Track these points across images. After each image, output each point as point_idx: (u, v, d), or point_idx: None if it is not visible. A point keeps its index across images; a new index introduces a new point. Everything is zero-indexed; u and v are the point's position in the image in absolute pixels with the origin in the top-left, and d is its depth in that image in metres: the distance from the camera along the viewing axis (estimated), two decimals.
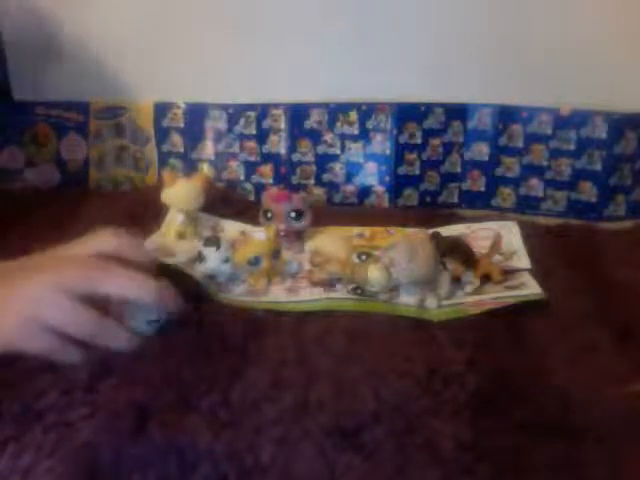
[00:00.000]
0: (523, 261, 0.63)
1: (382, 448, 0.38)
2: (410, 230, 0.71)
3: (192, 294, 0.54)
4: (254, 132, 0.83)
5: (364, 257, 0.58)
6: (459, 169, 0.83)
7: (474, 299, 0.57)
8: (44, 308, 0.43)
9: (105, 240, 0.47)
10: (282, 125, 0.82)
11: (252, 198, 0.84)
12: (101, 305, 0.45)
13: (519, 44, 0.77)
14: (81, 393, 0.42)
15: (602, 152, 0.77)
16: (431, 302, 0.56)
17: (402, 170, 0.82)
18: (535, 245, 0.66)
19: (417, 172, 0.82)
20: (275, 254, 0.62)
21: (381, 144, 0.82)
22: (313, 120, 0.82)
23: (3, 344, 0.43)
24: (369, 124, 0.81)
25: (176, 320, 0.50)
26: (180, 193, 0.68)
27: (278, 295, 0.58)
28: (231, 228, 0.71)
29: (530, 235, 0.68)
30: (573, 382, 0.46)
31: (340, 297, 0.57)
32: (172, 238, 0.67)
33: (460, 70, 0.78)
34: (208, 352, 0.47)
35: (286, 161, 0.83)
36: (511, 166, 0.81)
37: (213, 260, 0.58)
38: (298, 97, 0.81)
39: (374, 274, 0.55)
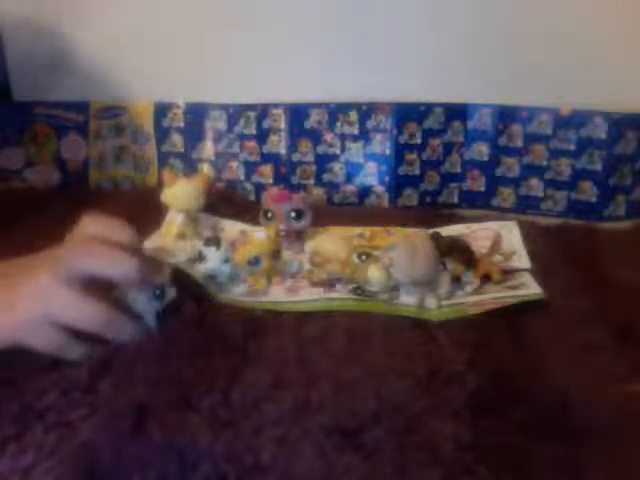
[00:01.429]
0: (523, 261, 0.63)
1: (382, 448, 0.38)
2: (410, 230, 0.71)
3: (192, 294, 0.54)
4: (254, 132, 0.83)
5: (364, 257, 0.58)
6: (459, 169, 0.83)
7: (474, 299, 0.57)
8: (54, 305, 0.43)
9: (87, 226, 0.47)
10: (282, 125, 0.82)
11: (252, 198, 0.84)
12: (103, 291, 0.45)
13: (519, 44, 0.77)
14: (81, 393, 0.42)
15: (602, 152, 0.77)
16: (431, 302, 0.56)
17: (402, 170, 0.82)
18: (535, 245, 0.66)
19: (417, 172, 0.82)
20: (275, 254, 0.62)
21: (381, 144, 0.82)
22: (313, 120, 0.82)
23: (9, 339, 0.43)
24: (369, 124, 0.81)
25: (178, 315, 0.51)
26: (180, 193, 0.68)
27: (278, 295, 0.58)
28: (231, 228, 0.71)
29: (530, 235, 0.68)
30: (573, 382, 0.46)
31: (340, 297, 0.57)
32: (172, 238, 0.67)
33: (460, 70, 0.78)
34: (208, 352, 0.47)
35: (286, 161, 0.83)
36: (511, 166, 0.81)
37: (213, 260, 0.58)
38: (298, 97, 0.81)
39: (374, 274, 0.55)
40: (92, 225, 0.47)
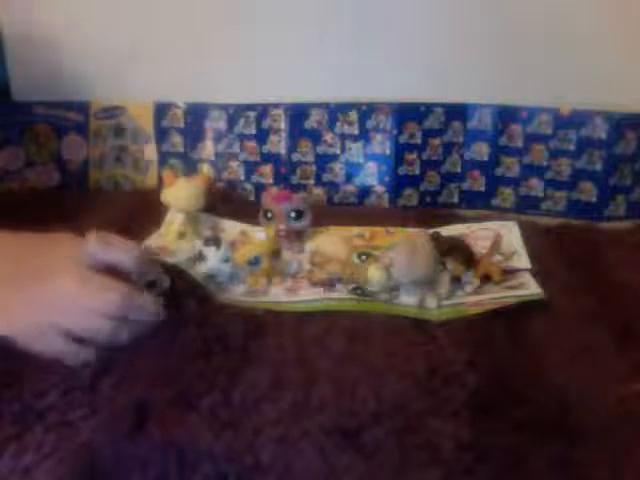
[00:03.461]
0: (523, 261, 0.63)
1: (382, 448, 0.38)
2: (410, 230, 0.71)
3: (192, 294, 0.54)
4: (254, 132, 0.83)
5: (364, 257, 0.58)
6: (459, 169, 0.83)
7: (474, 299, 0.57)
8: (64, 315, 0.43)
9: (92, 248, 0.46)
10: (282, 125, 0.82)
11: (252, 198, 0.84)
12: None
13: (519, 44, 0.77)
14: (81, 393, 0.43)
15: (602, 152, 0.77)
16: (431, 302, 0.56)
17: (402, 170, 0.82)
18: (535, 245, 0.66)
19: (417, 172, 0.82)
20: (275, 254, 0.62)
21: (381, 144, 0.82)
22: (313, 120, 0.82)
23: (12, 336, 0.43)
24: (369, 124, 0.81)
25: (179, 315, 0.51)
26: (180, 193, 0.68)
27: (278, 295, 0.58)
28: (231, 228, 0.71)
29: (530, 235, 0.68)
30: (573, 382, 0.46)
31: (340, 297, 0.57)
32: (172, 238, 0.67)
33: (460, 70, 0.78)
34: (208, 352, 0.47)
35: (286, 161, 0.83)
36: (511, 166, 0.81)
37: (213, 260, 0.58)
38: (298, 97, 0.81)
39: (374, 274, 0.55)
40: (96, 248, 0.46)
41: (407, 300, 0.56)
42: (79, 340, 0.44)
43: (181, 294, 0.53)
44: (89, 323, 0.44)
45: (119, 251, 0.47)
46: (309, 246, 0.66)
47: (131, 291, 0.45)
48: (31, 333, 0.43)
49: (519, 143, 0.80)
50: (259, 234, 0.68)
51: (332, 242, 0.64)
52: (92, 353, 0.45)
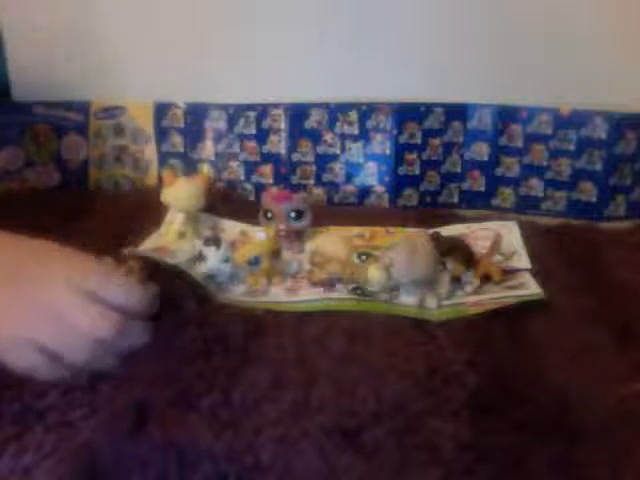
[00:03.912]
0: (523, 261, 0.63)
1: (382, 448, 0.38)
2: (410, 230, 0.71)
3: (192, 294, 0.54)
4: (254, 132, 0.83)
5: (364, 257, 0.58)
6: (459, 169, 0.83)
7: (474, 299, 0.57)
8: (40, 332, 0.42)
9: (86, 280, 0.45)
10: (282, 125, 0.82)
11: (252, 198, 0.84)
12: None
13: (519, 44, 0.77)
14: (81, 393, 0.42)
15: (602, 152, 0.77)
16: (431, 302, 0.56)
17: (402, 170, 0.82)
18: (535, 245, 0.66)
19: (417, 172, 0.82)
20: (275, 254, 0.62)
21: (381, 144, 0.81)
22: (313, 120, 0.82)
23: None
24: (369, 124, 0.81)
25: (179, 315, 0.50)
26: (180, 193, 0.68)
27: (278, 295, 0.58)
28: (231, 228, 0.71)
29: (530, 235, 0.68)
30: (573, 382, 0.46)
31: (340, 297, 0.57)
32: (172, 238, 0.67)
33: (460, 70, 0.78)
34: (208, 352, 0.47)
35: (286, 161, 0.83)
36: (511, 166, 0.81)
37: (213, 260, 0.58)
38: (298, 97, 0.81)
39: (374, 274, 0.55)
40: (96, 287, 0.44)
41: (407, 300, 0.56)
42: (54, 357, 0.42)
43: (181, 294, 0.53)
44: (68, 343, 0.42)
45: (121, 293, 0.45)
46: (309, 246, 0.66)
47: (122, 321, 0.44)
48: (4, 346, 0.42)
49: (519, 143, 0.80)
50: (259, 234, 0.68)
51: (332, 242, 0.64)
52: (66, 371, 0.43)
